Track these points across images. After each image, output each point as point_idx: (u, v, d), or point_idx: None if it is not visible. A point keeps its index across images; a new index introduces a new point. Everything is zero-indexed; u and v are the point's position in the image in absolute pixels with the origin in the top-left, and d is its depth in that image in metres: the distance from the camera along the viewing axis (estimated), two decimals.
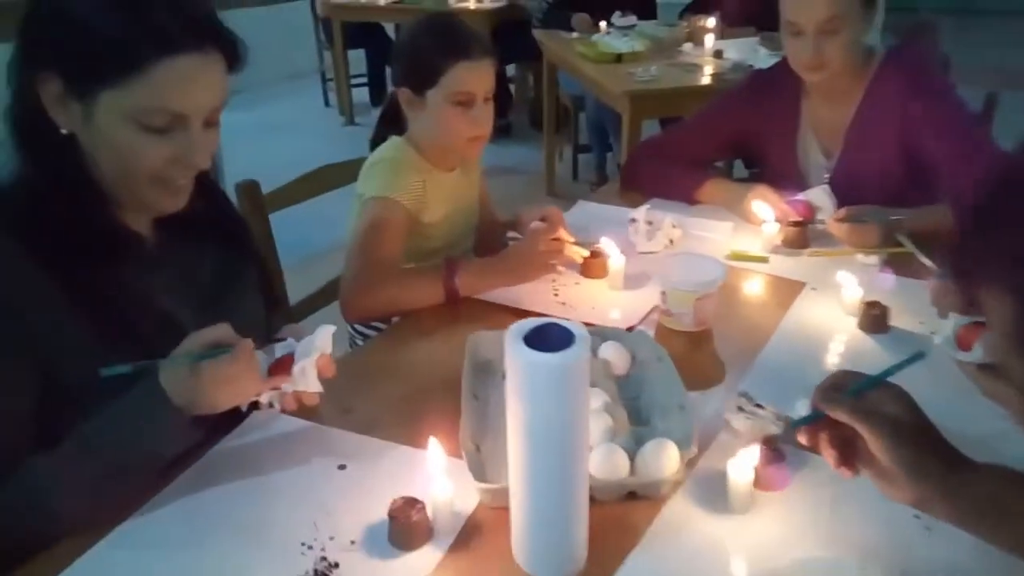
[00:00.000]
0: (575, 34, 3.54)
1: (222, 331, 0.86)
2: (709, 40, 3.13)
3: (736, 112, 1.70)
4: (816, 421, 0.72)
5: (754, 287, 1.35)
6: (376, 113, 1.59)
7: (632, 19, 3.43)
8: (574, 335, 0.70)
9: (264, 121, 4.90)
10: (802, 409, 0.94)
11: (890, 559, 0.76)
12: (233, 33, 0.90)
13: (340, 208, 1.45)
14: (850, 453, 0.70)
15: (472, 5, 4.48)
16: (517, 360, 0.69)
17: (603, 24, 3.41)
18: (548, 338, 0.70)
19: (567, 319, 0.73)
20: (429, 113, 1.38)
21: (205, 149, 0.91)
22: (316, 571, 0.77)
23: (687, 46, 3.19)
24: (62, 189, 0.87)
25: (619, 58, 3.05)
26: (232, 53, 0.90)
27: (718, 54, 3.01)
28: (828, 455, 0.70)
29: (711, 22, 3.24)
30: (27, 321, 0.84)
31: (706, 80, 2.79)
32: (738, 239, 1.47)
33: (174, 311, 0.94)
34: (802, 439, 0.73)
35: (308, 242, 2.07)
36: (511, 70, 4.93)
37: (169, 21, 0.84)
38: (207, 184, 1.01)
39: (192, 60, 0.85)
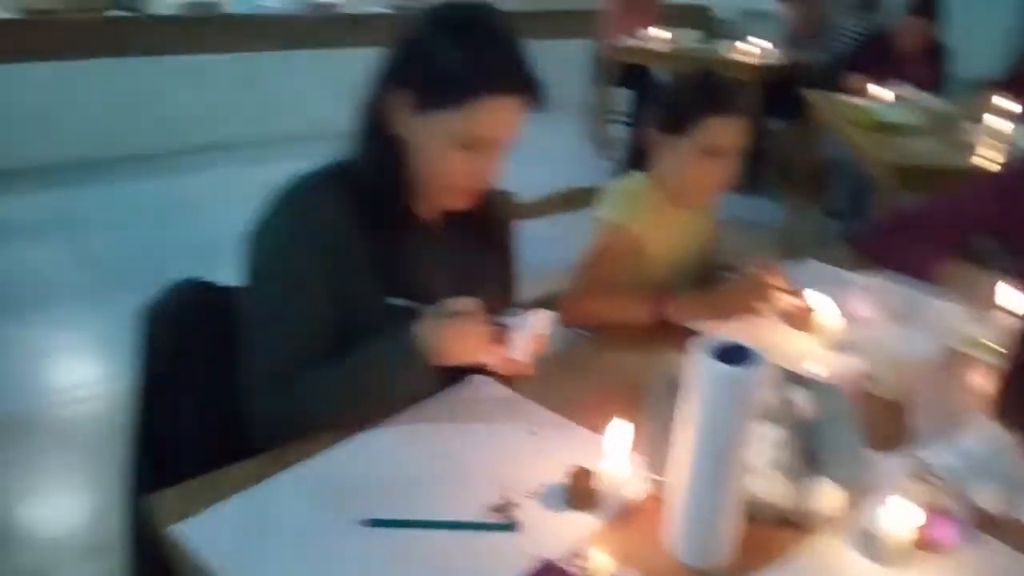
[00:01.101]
0: (847, 97, 3.47)
1: (469, 303, 1.07)
2: (993, 121, 2.91)
3: (993, 198, 1.63)
4: None
5: (974, 374, 1.30)
6: None
7: (909, 88, 3.29)
8: (753, 355, 0.80)
9: (524, 146, 5.28)
10: (979, 493, 0.94)
11: None
12: (541, 80, 1.08)
13: (577, 233, 1.61)
14: None
15: (745, 58, 4.52)
16: (698, 366, 0.81)
17: (878, 90, 3.31)
18: (730, 355, 0.81)
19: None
20: (674, 157, 1.51)
21: (498, 169, 1.12)
22: (500, 505, 0.94)
23: (968, 124, 2.99)
24: (382, 176, 1.12)
25: (887, 127, 2.96)
26: (537, 97, 1.09)
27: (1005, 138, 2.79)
28: None
29: (1008, 104, 2.99)
30: (336, 261, 1.10)
31: (980, 162, 2.61)
32: (974, 325, 1.42)
33: (436, 282, 1.16)
34: None
35: (543, 258, 2.27)
36: (771, 124, 4.88)
37: (502, 67, 1.05)
38: (487, 190, 1.21)
39: (509, 100, 1.06)
